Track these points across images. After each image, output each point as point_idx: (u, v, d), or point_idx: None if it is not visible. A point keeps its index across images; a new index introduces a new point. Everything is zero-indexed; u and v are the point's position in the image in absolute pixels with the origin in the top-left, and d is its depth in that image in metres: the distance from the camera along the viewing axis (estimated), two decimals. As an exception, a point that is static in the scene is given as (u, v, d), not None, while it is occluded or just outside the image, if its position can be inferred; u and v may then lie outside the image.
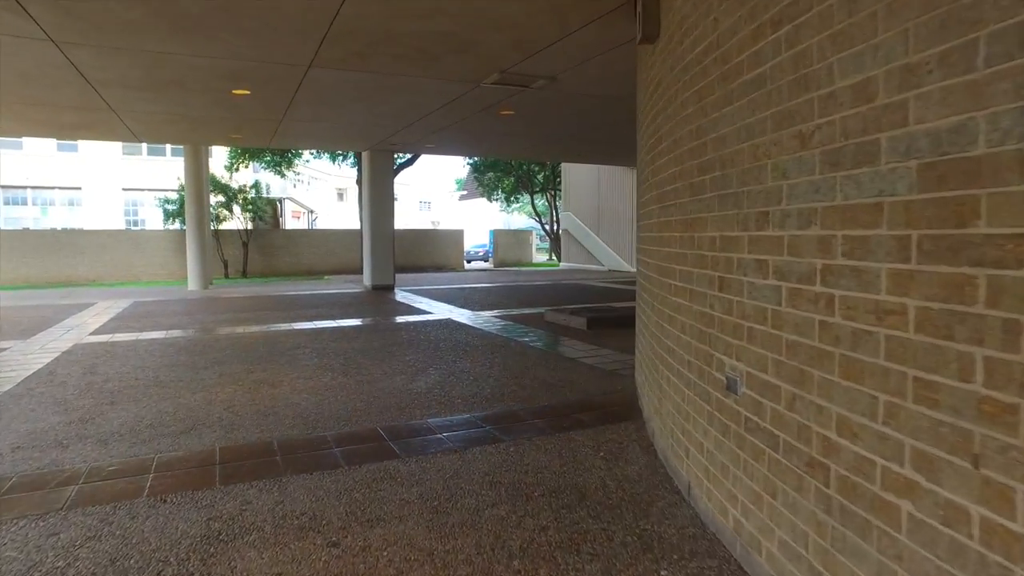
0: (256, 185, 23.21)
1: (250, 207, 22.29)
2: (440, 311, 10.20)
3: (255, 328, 8.43)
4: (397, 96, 8.58)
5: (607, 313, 8.65)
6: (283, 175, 26.36)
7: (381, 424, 4.19)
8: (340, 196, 49.21)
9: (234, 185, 22.42)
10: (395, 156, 26.00)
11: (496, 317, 9.43)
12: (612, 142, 13.14)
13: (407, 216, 47.45)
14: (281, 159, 25.40)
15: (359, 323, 8.88)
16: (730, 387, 2.47)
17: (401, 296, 12.75)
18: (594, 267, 22.80)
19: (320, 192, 47.14)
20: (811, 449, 1.93)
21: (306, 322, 8.97)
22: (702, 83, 2.77)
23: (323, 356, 6.47)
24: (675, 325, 3.21)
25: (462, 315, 9.71)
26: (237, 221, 22.15)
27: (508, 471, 3.35)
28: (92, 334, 7.96)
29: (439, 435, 3.95)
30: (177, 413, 4.45)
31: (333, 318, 9.36)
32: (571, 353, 6.52)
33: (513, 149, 14.98)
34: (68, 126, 10.32)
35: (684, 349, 3.05)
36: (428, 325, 8.64)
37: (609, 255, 22.08)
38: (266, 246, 23.18)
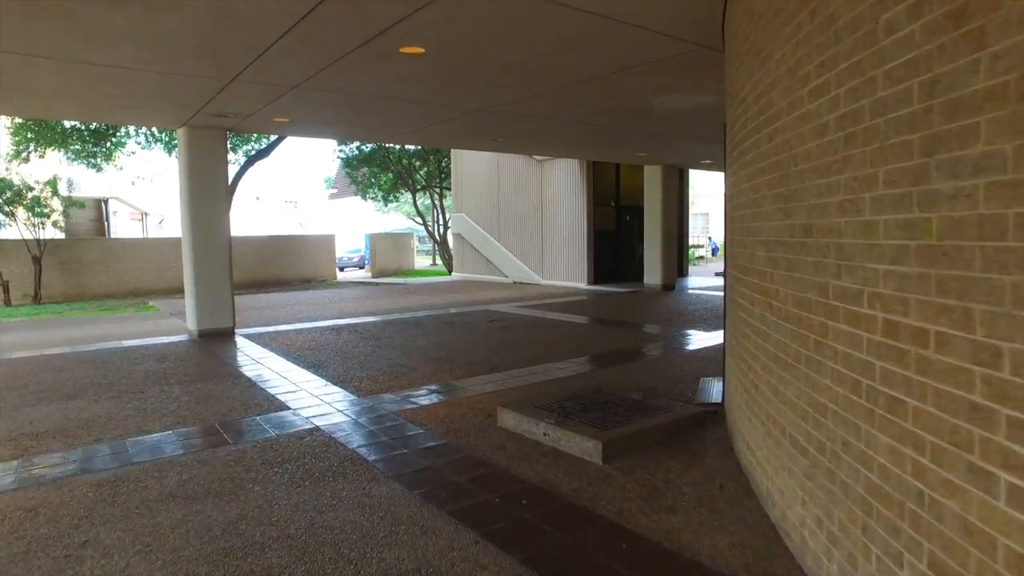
0: (52, 182, 16.84)
1: (42, 210, 16.00)
2: (305, 398, 5.56)
3: None
4: (193, -13, 3.91)
5: (622, 412, 4.43)
6: (99, 168, 19.88)
7: None
8: (190, 195, 41.44)
9: (17, 180, 16.01)
10: (235, 139, 20.23)
11: (405, 417, 4.99)
12: (604, 126, 8.89)
13: (271, 218, 40.92)
14: (97, 147, 18.97)
15: (115, 473, 4.07)
16: None
17: (244, 351, 7.84)
18: (495, 278, 18.64)
19: (166, 191, 39.29)
20: None
21: None
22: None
23: None
24: None
25: (345, 410, 5.16)
26: (24, 228, 15.80)
27: None
28: None
29: None
30: None
31: (72, 447, 4.43)
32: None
33: (417, 128, 10.30)
34: None
35: None
36: (276, 465, 4.00)
37: (513, 264, 18.00)
38: (72, 261, 16.91)
